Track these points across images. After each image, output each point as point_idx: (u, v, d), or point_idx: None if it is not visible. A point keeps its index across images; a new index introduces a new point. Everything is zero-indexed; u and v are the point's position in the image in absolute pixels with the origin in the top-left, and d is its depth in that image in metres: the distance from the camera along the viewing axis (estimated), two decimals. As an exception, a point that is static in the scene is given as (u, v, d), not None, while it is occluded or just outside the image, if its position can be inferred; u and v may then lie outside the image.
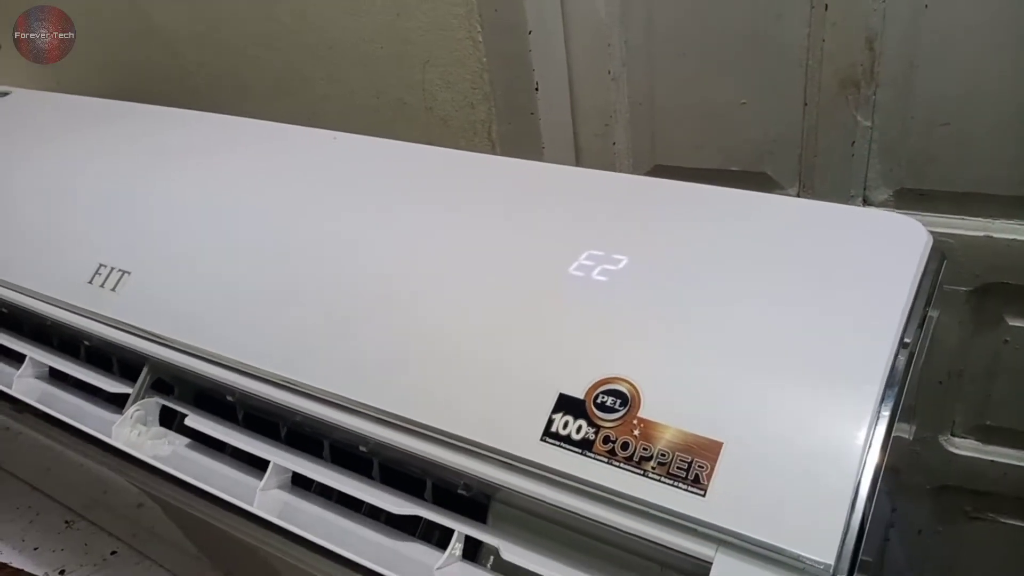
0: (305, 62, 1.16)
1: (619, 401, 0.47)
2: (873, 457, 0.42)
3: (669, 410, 0.46)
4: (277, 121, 0.90)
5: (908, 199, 1.02)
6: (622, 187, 0.70)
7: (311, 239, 0.66)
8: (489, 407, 0.51)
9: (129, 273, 0.70)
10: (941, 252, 0.54)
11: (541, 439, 0.48)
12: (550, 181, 0.72)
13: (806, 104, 1.01)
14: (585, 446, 0.47)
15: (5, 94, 1.10)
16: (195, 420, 0.64)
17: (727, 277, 0.53)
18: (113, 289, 0.69)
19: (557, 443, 0.48)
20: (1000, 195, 0.95)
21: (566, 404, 0.49)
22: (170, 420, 0.68)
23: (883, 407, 0.44)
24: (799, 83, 1.00)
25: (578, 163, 1.15)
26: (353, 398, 0.55)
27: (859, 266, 0.52)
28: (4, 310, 0.77)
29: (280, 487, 0.60)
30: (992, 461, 1.11)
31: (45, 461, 0.75)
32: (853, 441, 0.42)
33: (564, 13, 1.05)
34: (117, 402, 0.69)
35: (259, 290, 0.64)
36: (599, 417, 0.47)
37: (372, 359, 0.56)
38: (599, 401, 0.48)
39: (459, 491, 0.54)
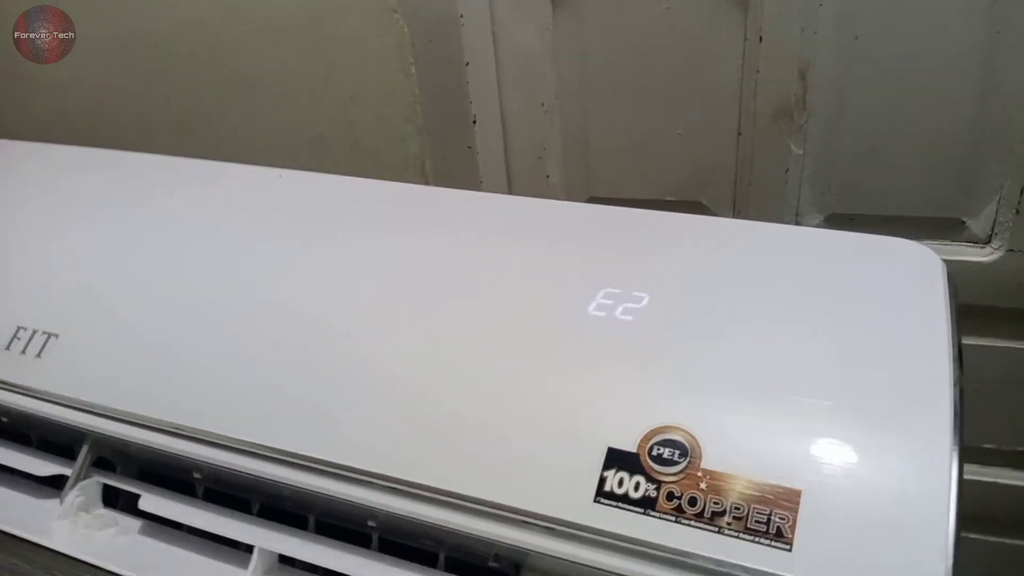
0: (214, 98, 1.08)
1: (677, 452, 0.44)
2: (955, 493, 0.41)
3: (734, 458, 0.43)
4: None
5: (838, 223, 1.05)
6: (603, 218, 0.67)
7: (284, 283, 0.59)
8: (529, 469, 0.46)
9: (56, 336, 0.60)
10: (952, 277, 0.54)
11: (595, 500, 0.44)
12: (526, 214, 0.68)
13: (740, 134, 1.02)
14: (647, 504, 0.43)
15: None
16: (152, 501, 0.55)
17: (759, 312, 0.51)
18: (38, 355, 0.59)
19: (614, 503, 0.43)
20: (925, 217, 1.00)
21: (618, 459, 0.44)
22: (111, 500, 0.59)
23: (955, 439, 0.42)
24: (734, 113, 1.01)
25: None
26: (360, 467, 0.49)
27: (887, 294, 0.51)
28: None
29: (268, 573, 0.52)
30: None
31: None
32: (939, 479, 0.41)
33: (496, 45, 1.02)
34: (44, 486, 0.59)
35: (222, 345, 0.57)
36: (658, 471, 0.44)
37: (382, 423, 0.50)
38: (655, 453, 0.44)
39: (490, 563, 0.48)
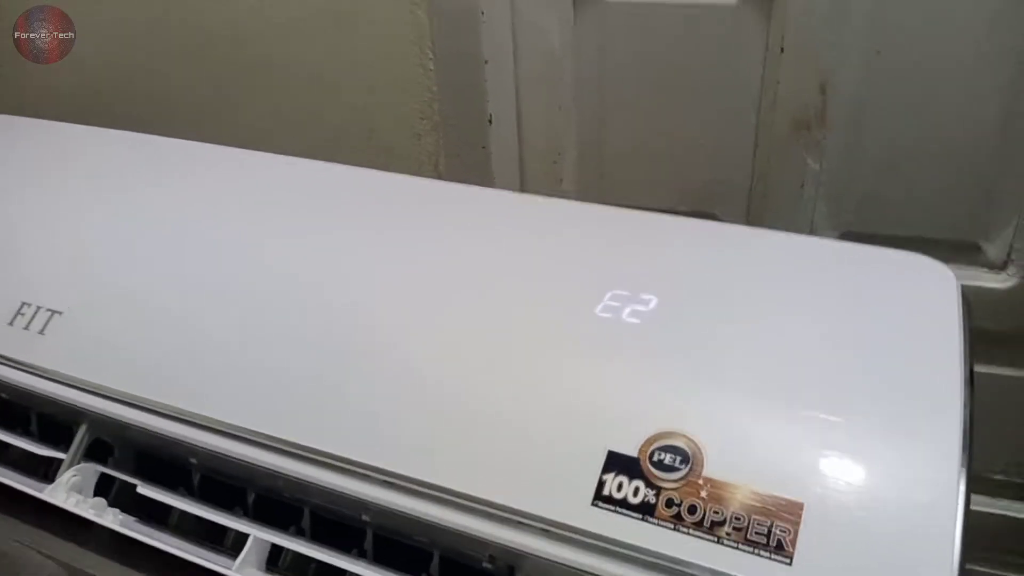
0: (236, 84, 1.08)
1: (679, 458, 0.43)
2: (962, 513, 0.40)
3: (737, 467, 0.42)
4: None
5: (852, 241, 1.04)
6: (616, 220, 0.66)
7: (286, 270, 0.59)
8: (527, 469, 0.45)
9: (60, 313, 0.60)
10: (965, 293, 0.53)
11: (592, 503, 0.43)
12: (539, 214, 0.67)
13: (757, 145, 1.01)
14: (646, 510, 0.42)
15: None
16: (148, 489, 0.55)
17: (769, 320, 0.50)
18: (41, 332, 0.59)
19: (612, 507, 0.43)
20: (943, 239, 0.99)
21: (617, 463, 0.44)
22: (105, 492, 0.58)
23: (964, 457, 0.41)
24: (751, 125, 1.01)
25: (524, 199, 1.11)
26: (356, 459, 0.48)
27: (900, 308, 0.50)
28: None
29: (258, 567, 0.51)
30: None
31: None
32: (945, 498, 0.40)
33: (516, 44, 1.02)
34: (39, 469, 0.58)
35: (221, 330, 0.57)
36: (658, 477, 0.43)
37: (381, 415, 0.49)
38: (656, 459, 0.43)
39: (484, 564, 0.47)
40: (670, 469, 0.43)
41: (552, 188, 1.11)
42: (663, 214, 0.64)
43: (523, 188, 1.11)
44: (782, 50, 0.94)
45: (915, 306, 0.50)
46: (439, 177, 1.04)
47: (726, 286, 0.53)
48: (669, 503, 0.42)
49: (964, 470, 0.41)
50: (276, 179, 0.73)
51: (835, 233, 1.04)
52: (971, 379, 0.47)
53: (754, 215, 1.06)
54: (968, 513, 0.40)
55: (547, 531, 0.44)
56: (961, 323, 0.49)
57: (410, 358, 0.52)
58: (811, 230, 1.04)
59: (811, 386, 0.45)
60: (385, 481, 0.48)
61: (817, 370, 0.46)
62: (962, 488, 0.40)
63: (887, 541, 0.39)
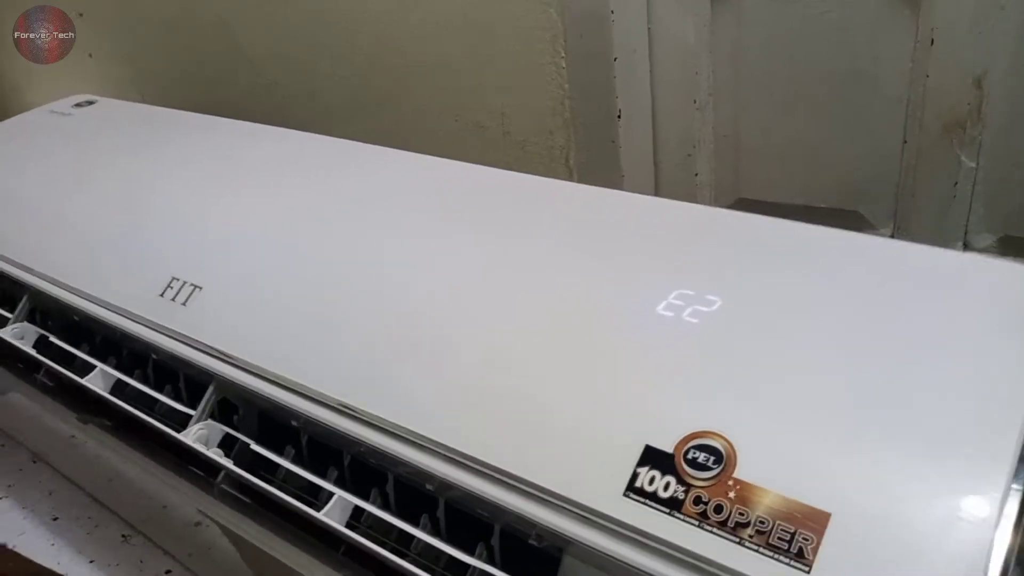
0: (385, 82, 1.16)
1: (712, 458, 0.43)
2: (1004, 539, 0.38)
3: (768, 472, 0.42)
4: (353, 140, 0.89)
5: (1012, 247, 0.96)
6: (713, 221, 0.66)
7: (389, 266, 0.64)
8: (567, 454, 0.47)
9: (200, 288, 0.69)
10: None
11: (624, 494, 0.44)
12: (635, 211, 0.69)
13: (905, 142, 0.96)
14: (673, 505, 0.43)
15: (91, 103, 1.12)
16: (259, 447, 0.62)
17: (834, 327, 0.49)
18: (184, 304, 0.68)
19: (641, 499, 0.44)
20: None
21: (653, 457, 0.45)
22: (230, 449, 0.66)
23: (1016, 480, 0.39)
24: (899, 120, 0.95)
25: (657, 194, 1.12)
26: (423, 433, 0.52)
27: (982, 323, 0.47)
28: (76, 318, 0.76)
29: (340, 521, 0.57)
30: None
31: (107, 472, 0.75)
32: (981, 521, 0.38)
33: (651, 40, 1.02)
34: (182, 422, 0.67)
35: (331, 315, 0.62)
36: (690, 474, 0.43)
37: (445, 395, 0.53)
38: (690, 457, 0.44)
39: (530, 541, 0.50)
40: (702, 468, 0.43)
41: (687, 182, 1.10)
42: (767, 217, 0.63)
43: (657, 182, 1.11)
44: (932, 42, 0.88)
45: (997, 319, 0.47)
46: (570, 171, 1.07)
47: (800, 292, 0.53)
48: (697, 500, 0.43)
49: (1018, 484, 0.39)
50: (404, 177, 0.79)
51: (992, 237, 0.96)
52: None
53: (901, 215, 1.00)
54: (1018, 541, 0.38)
55: (583, 517, 0.46)
56: (1050, 340, 0.45)
57: (482, 348, 0.55)
58: (965, 232, 0.97)
59: (861, 397, 0.44)
60: (445, 456, 0.51)
61: (870, 381, 0.45)
62: (1008, 515, 0.38)
63: (915, 561, 0.38)
